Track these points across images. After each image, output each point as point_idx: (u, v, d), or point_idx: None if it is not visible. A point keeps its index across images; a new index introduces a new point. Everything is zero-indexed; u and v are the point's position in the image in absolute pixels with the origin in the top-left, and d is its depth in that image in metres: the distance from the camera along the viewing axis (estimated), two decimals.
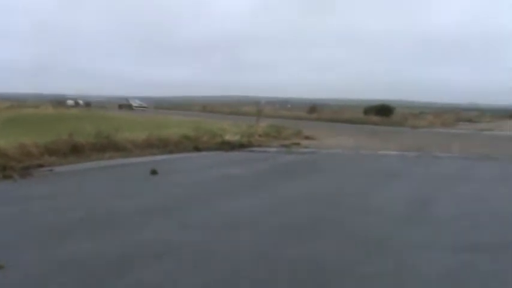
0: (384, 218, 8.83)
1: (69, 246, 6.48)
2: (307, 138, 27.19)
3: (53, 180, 12.12)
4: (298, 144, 23.60)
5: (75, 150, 16.17)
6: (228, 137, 22.92)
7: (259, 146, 22.51)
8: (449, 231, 7.94)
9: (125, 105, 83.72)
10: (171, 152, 18.62)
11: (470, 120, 72.84)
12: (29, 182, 11.73)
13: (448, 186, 12.72)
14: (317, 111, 70.84)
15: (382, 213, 9.23)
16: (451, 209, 9.82)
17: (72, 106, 77.54)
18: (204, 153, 19.11)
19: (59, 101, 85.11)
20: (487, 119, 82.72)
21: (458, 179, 14.10)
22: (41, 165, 13.70)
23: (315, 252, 6.54)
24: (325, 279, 5.55)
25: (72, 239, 6.82)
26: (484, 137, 35.66)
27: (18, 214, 8.30)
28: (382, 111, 60.83)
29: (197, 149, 19.73)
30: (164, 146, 19.39)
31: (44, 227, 7.51)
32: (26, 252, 6.18)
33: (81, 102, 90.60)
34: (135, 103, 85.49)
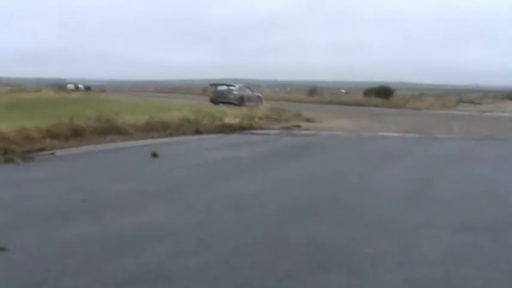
0: (387, 198, 8.86)
1: (71, 228, 6.50)
2: (307, 120, 27.14)
3: (54, 164, 12.15)
4: (299, 126, 23.55)
5: (76, 134, 16.14)
6: (228, 120, 22.87)
7: (260, 128, 22.47)
8: (451, 211, 7.97)
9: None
10: (171, 135, 18.60)
11: (471, 102, 72.80)
12: (30, 165, 11.73)
13: (449, 166, 12.76)
14: (317, 94, 70.80)
15: (385, 193, 9.26)
16: (452, 189, 9.85)
17: (72, 90, 77.28)
18: (204, 136, 19.11)
19: (59, 85, 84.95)
20: (488, 100, 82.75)
21: (460, 159, 14.15)
22: (42, 149, 13.68)
23: (318, 232, 6.55)
24: (327, 258, 5.57)
25: (74, 221, 6.83)
26: (485, 118, 35.68)
27: (21, 197, 8.30)
28: (382, 93, 60.80)
29: (198, 132, 19.71)
30: (165, 129, 19.34)
31: (46, 209, 7.52)
32: (29, 235, 6.19)
33: (81, 86, 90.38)
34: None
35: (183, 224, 6.84)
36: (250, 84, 51.29)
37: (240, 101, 38.77)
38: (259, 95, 43.99)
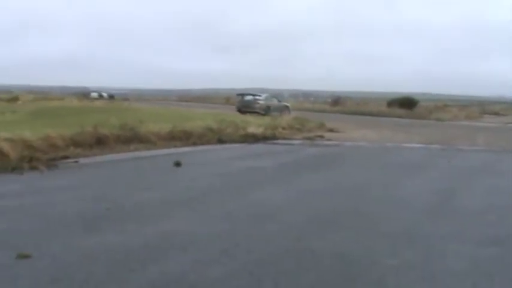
0: (410, 209, 8.78)
1: (95, 236, 6.53)
2: (330, 130, 27.06)
3: (78, 172, 12.22)
4: (322, 136, 23.49)
5: (100, 142, 16.27)
6: (251, 130, 22.87)
7: (283, 138, 22.46)
8: (476, 224, 7.88)
9: None
10: (194, 144, 18.64)
11: (495, 113, 71.92)
12: (54, 173, 11.84)
13: (473, 179, 12.63)
14: (340, 104, 70.47)
15: (408, 205, 9.19)
16: (477, 201, 9.74)
17: (96, 98, 77.75)
18: (227, 145, 19.13)
19: (83, 94, 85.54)
20: None
21: (484, 172, 14.00)
22: (66, 157, 13.80)
23: (342, 243, 6.52)
24: (352, 270, 5.54)
25: (98, 229, 6.86)
26: (509, 129, 35.28)
27: (45, 204, 8.36)
28: (406, 103, 60.30)
29: (221, 141, 19.73)
30: (188, 138, 19.41)
31: (70, 217, 7.56)
32: (53, 242, 6.22)
33: (105, 94, 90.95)
34: None
35: (206, 234, 6.83)
36: (274, 94, 51.29)
37: (266, 110, 38.79)
38: (287, 104, 43.73)
